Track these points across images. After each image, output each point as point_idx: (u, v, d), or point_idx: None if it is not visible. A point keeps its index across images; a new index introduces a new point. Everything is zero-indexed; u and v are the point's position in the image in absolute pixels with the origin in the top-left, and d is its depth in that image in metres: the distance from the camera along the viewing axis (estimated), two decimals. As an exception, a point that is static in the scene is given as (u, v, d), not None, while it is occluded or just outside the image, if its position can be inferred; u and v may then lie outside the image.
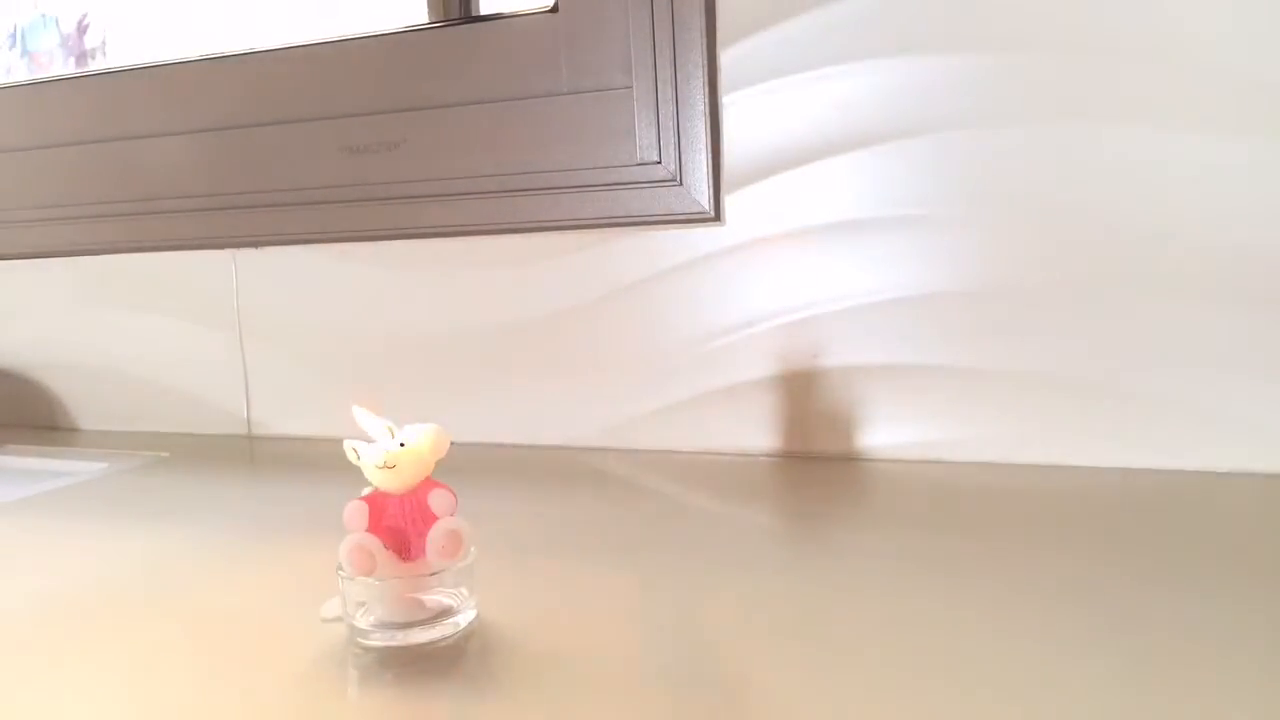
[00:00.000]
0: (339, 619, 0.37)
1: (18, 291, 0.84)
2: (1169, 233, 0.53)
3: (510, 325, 0.68)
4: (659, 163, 0.61)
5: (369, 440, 0.37)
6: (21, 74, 0.96)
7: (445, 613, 0.37)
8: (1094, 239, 0.54)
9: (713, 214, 0.61)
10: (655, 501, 0.55)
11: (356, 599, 0.37)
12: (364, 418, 0.38)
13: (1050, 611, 0.37)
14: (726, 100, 0.60)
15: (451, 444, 0.38)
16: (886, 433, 0.60)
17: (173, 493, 0.62)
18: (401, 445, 0.37)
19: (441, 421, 0.67)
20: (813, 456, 0.61)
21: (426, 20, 0.74)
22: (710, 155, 0.60)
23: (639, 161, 0.62)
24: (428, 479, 0.38)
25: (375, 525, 0.37)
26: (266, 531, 0.52)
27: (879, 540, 0.47)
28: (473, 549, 0.38)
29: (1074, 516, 0.48)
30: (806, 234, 0.60)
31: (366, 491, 0.38)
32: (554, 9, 0.64)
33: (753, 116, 0.60)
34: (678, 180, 0.61)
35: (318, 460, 0.68)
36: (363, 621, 0.37)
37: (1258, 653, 0.33)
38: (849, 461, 0.60)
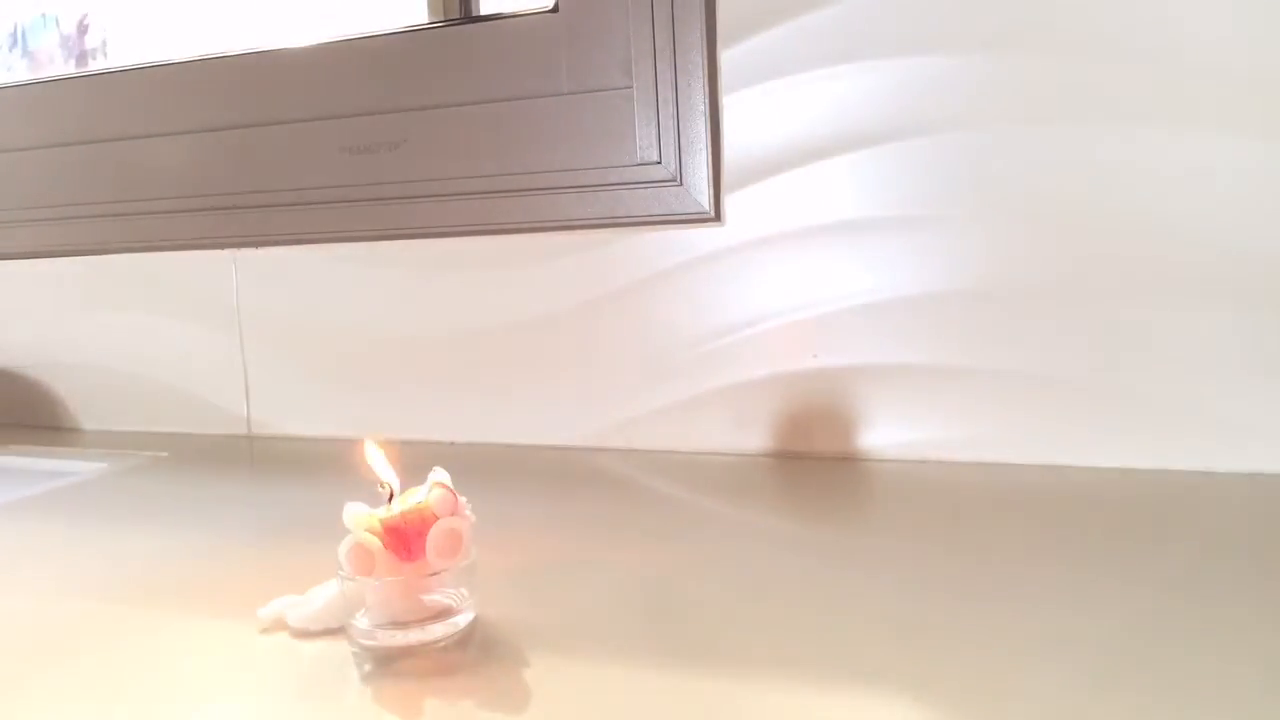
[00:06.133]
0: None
1: (18, 291, 0.84)
2: (1169, 232, 0.53)
3: (510, 325, 0.68)
4: (659, 163, 0.61)
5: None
6: (22, 74, 0.96)
7: (445, 613, 0.37)
8: (1094, 239, 0.54)
9: (713, 214, 0.61)
10: (655, 502, 0.55)
11: (356, 599, 0.37)
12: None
13: (1049, 612, 0.37)
14: (726, 100, 0.60)
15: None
16: (886, 433, 0.60)
17: (173, 493, 0.62)
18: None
19: (441, 421, 0.67)
20: (813, 456, 0.61)
21: (426, 20, 0.74)
22: (710, 155, 0.60)
23: (639, 161, 0.62)
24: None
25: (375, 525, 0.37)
26: (266, 532, 0.52)
27: (878, 540, 0.47)
28: (473, 549, 0.38)
29: (1074, 516, 0.48)
30: (806, 234, 0.60)
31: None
32: (554, 9, 0.64)
33: (753, 116, 0.60)
34: (678, 180, 0.61)
35: (318, 460, 0.68)
36: (363, 621, 0.37)
37: (1258, 653, 0.33)
38: (849, 461, 0.60)
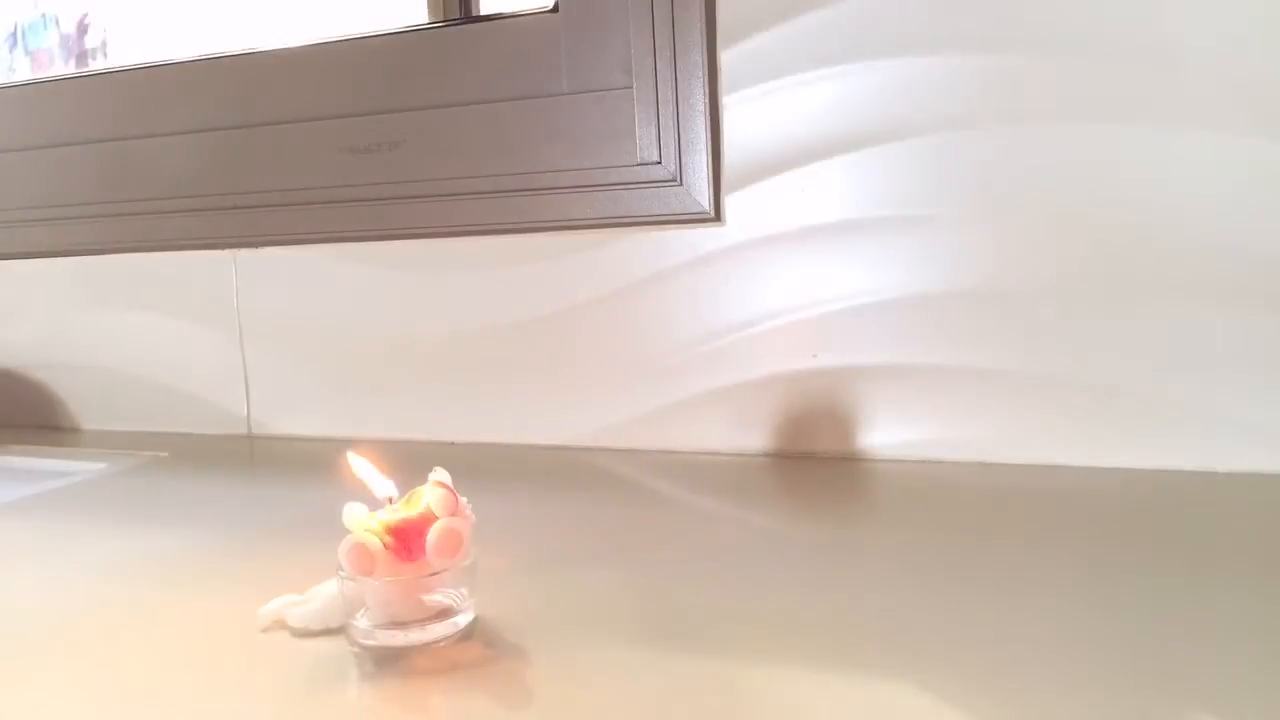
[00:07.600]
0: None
1: (18, 291, 0.84)
2: (1169, 233, 0.53)
3: (510, 325, 0.68)
4: (659, 163, 0.61)
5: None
6: (22, 74, 0.96)
7: (445, 613, 0.37)
8: (1094, 239, 0.54)
9: (713, 214, 0.61)
10: (655, 502, 0.55)
11: (356, 599, 0.37)
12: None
13: (1049, 612, 0.37)
14: (726, 100, 0.60)
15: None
16: (886, 433, 0.60)
17: (173, 493, 0.62)
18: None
19: (441, 421, 0.67)
20: (813, 456, 0.61)
21: (426, 20, 0.74)
22: (710, 155, 0.60)
23: (639, 161, 0.62)
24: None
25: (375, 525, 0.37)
26: (266, 532, 0.52)
27: (878, 541, 0.47)
28: (473, 549, 0.38)
29: (1074, 516, 0.48)
30: (806, 234, 0.60)
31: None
32: (554, 9, 0.64)
33: (753, 116, 0.60)
34: (678, 180, 0.61)
35: (318, 460, 0.68)
36: (363, 621, 0.37)
37: (1259, 653, 0.33)
38: (849, 461, 0.60)
